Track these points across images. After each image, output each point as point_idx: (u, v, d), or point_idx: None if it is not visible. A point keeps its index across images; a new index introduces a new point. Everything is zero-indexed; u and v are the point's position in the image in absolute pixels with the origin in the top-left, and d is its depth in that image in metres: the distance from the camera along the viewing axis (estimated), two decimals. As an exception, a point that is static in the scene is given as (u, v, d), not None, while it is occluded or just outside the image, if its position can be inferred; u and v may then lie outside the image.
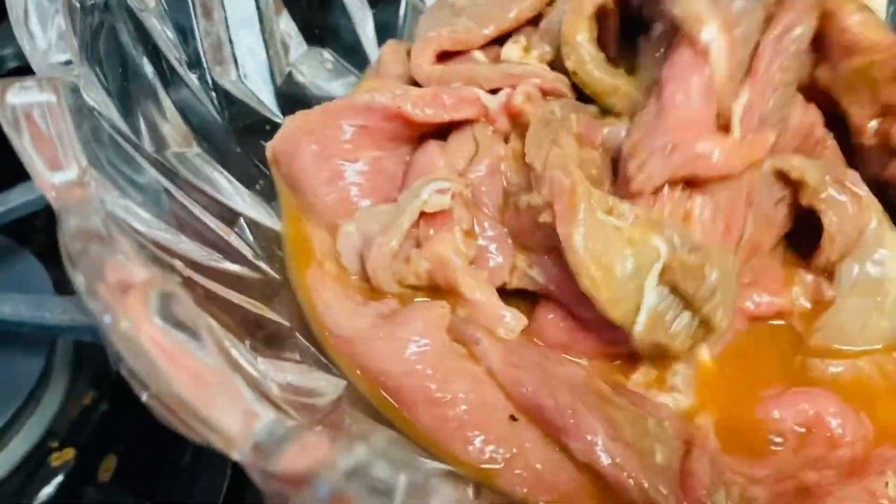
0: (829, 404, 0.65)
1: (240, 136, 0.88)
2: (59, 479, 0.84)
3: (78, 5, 0.70)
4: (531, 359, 0.67)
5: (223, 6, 0.90)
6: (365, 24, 1.08)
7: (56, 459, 0.85)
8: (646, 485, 0.56)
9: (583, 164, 0.71)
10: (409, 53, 0.91)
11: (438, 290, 0.74)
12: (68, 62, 0.64)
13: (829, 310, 0.72)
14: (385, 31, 1.11)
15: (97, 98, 0.66)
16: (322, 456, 0.39)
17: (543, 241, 0.70)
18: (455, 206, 0.75)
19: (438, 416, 0.63)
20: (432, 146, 0.81)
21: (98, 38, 0.72)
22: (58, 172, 0.53)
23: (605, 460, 0.58)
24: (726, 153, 0.65)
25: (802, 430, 0.64)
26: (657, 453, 0.59)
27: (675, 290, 0.64)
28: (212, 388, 0.41)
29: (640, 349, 0.65)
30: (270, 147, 0.84)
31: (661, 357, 0.67)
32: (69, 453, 0.86)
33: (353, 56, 1.07)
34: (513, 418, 0.64)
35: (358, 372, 0.69)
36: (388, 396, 0.66)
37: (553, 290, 0.71)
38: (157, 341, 0.40)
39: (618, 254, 0.63)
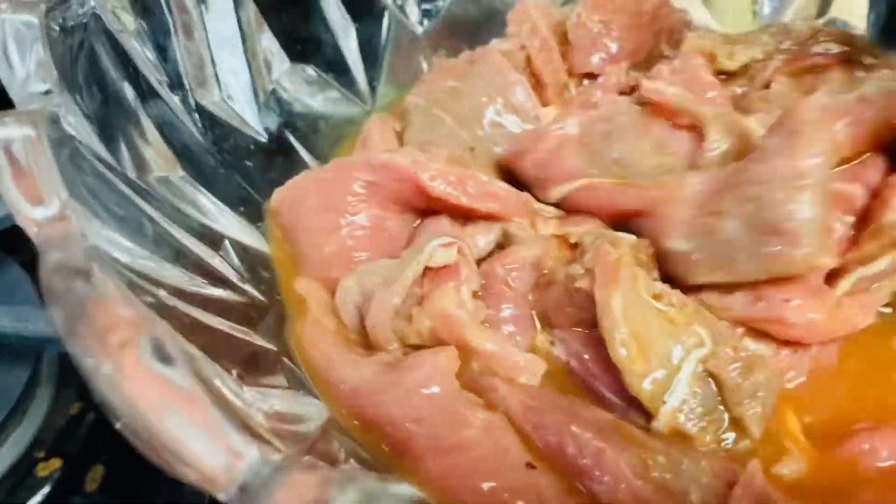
0: None
1: (224, 156, 0.87)
2: (46, 489, 0.84)
3: (57, 28, 0.70)
4: (554, 402, 0.64)
5: (204, 26, 0.89)
6: (348, 39, 1.08)
7: (42, 469, 0.85)
8: None
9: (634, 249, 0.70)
10: (397, 134, 0.94)
11: (447, 345, 0.69)
12: (48, 91, 0.63)
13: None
14: (368, 45, 1.11)
15: (77, 125, 0.66)
16: (313, 499, 0.39)
17: (573, 315, 0.69)
18: (462, 265, 0.72)
19: (447, 465, 0.60)
20: (444, 221, 0.78)
21: (77, 63, 0.71)
22: (38, 207, 0.53)
23: (629, 502, 0.56)
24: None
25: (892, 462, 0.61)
26: (692, 493, 0.56)
27: (716, 381, 0.63)
28: (196, 431, 0.41)
29: (659, 431, 0.62)
30: (277, 193, 0.83)
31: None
32: (56, 463, 0.86)
33: (337, 71, 1.06)
34: (530, 466, 0.60)
35: (363, 424, 0.66)
36: (395, 449, 0.63)
37: (575, 366, 0.69)
38: (142, 389, 0.40)
39: (658, 330, 0.63)
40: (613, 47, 0.98)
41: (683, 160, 0.78)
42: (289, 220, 0.81)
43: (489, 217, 0.78)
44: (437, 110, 0.92)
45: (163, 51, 0.83)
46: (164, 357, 0.43)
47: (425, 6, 1.17)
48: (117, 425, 0.41)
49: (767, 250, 0.64)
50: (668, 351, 0.62)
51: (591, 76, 0.99)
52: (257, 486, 0.40)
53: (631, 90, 0.95)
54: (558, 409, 0.62)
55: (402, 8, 1.15)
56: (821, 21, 1.16)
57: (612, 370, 0.63)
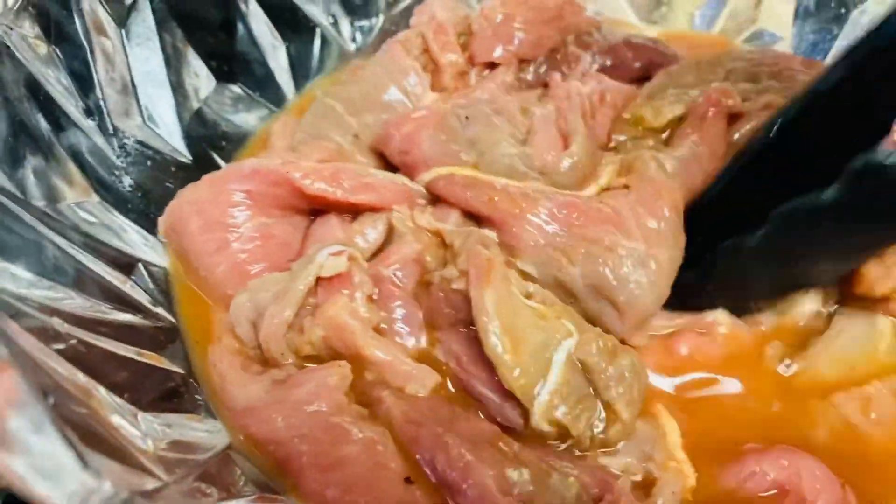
0: (813, 468, 0.64)
1: (144, 179, 0.88)
2: None
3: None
4: (435, 414, 0.65)
5: (125, 50, 0.90)
6: (277, 57, 1.09)
7: None
8: None
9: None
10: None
11: (341, 358, 0.70)
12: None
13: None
14: (300, 61, 1.12)
15: (-25, 156, 0.67)
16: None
17: (451, 316, 0.71)
18: (355, 271, 0.73)
19: (324, 482, 0.61)
20: (333, 220, 0.80)
21: (-20, 93, 0.72)
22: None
23: None
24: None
25: (774, 491, 0.64)
26: None
27: (585, 368, 0.65)
28: (41, 468, 0.42)
29: (538, 429, 0.64)
30: (161, 222, 0.83)
31: (563, 441, 0.66)
32: None
33: (265, 88, 1.07)
34: (408, 481, 0.62)
35: (252, 442, 0.67)
36: (280, 466, 0.64)
37: (454, 367, 0.70)
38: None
39: (529, 325, 0.65)
40: (516, 38, 0.99)
41: (540, 160, 0.79)
42: (178, 246, 0.81)
43: (371, 209, 0.79)
44: (329, 100, 0.93)
45: (79, 77, 0.84)
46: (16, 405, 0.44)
47: (359, 23, 1.18)
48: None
49: (599, 310, 0.71)
50: (539, 343, 0.65)
51: (494, 66, 1.00)
52: (106, 520, 0.42)
53: (544, 85, 0.98)
54: (437, 421, 0.63)
55: (335, 25, 1.16)
56: (747, 33, 1.18)
57: (488, 368, 0.65)
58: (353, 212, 0.80)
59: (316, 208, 0.81)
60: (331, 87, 0.96)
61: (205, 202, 0.79)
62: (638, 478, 0.66)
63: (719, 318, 0.75)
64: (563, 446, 0.65)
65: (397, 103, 0.95)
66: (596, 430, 0.65)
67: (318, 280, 0.73)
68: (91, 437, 0.50)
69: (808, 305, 0.77)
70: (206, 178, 0.80)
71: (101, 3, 0.87)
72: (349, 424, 0.64)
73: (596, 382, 0.65)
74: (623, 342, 0.70)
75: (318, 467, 0.61)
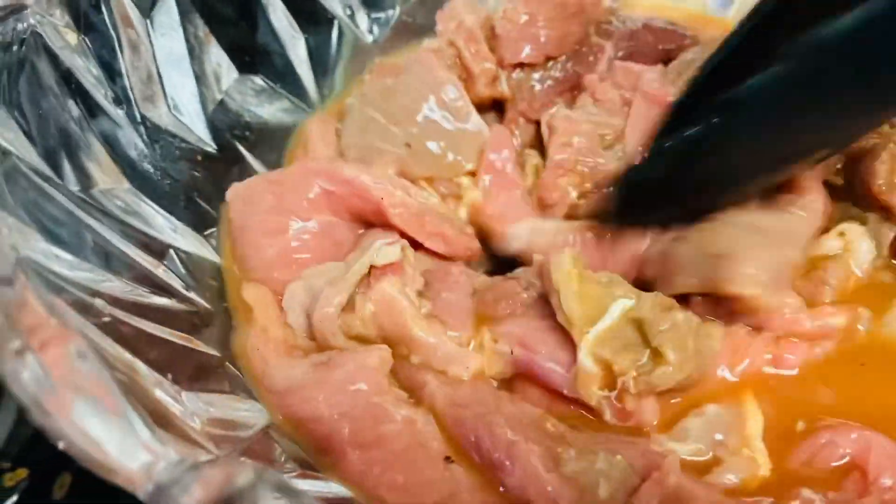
0: (885, 444, 0.64)
1: (171, 167, 0.89)
2: (14, 498, 0.85)
3: (-7, 43, 0.72)
4: (479, 397, 0.67)
5: (150, 41, 0.91)
6: (297, 49, 1.10)
7: (9, 480, 0.86)
8: None
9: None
10: (337, 133, 0.97)
11: (389, 340, 0.73)
12: (-19, 107, 0.65)
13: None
14: (319, 54, 1.13)
15: (15, 141, 0.67)
16: (218, 491, 0.41)
17: (519, 302, 0.74)
18: (407, 266, 0.75)
19: (366, 459, 0.62)
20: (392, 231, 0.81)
21: (17, 80, 0.73)
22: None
23: (539, 495, 0.58)
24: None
25: (845, 460, 0.64)
26: (601, 487, 0.58)
27: (638, 324, 0.67)
28: (112, 436, 0.42)
29: (584, 369, 0.65)
30: (233, 189, 0.84)
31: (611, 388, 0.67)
32: (22, 473, 0.87)
33: (286, 80, 1.08)
34: (448, 460, 0.63)
35: (293, 423, 0.68)
36: (320, 445, 0.65)
37: (517, 353, 0.72)
38: (62, 403, 0.41)
39: (595, 286, 0.69)
40: (542, 37, 1.00)
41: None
42: (240, 217, 0.82)
43: (436, 256, 0.82)
44: (370, 110, 0.94)
45: (108, 66, 0.85)
46: (83, 377, 0.45)
47: (375, 14, 1.19)
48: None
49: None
50: (599, 295, 0.68)
51: (523, 66, 1.01)
52: (172, 484, 0.42)
53: (572, 88, 0.99)
54: (482, 403, 0.64)
55: (352, 17, 1.17)
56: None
57: (552, 341, 0.68)
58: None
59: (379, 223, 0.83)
60: (365, 96, 0.97)
61: (286, 185, 0.81)
62: (703, 458, 0.66)
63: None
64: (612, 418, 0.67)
65: (438, 115, 0.95)
66: (641, 372, 0.65)
67: (371, 269, 0.75)
68: (146, 410, 0.50)
69: (864, 253, 0.78)
70: (297, 165, 0.84)
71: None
72: (390, 404, 0.65)
73: (646, 333, 0.66)
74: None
75: (358, 445, 0.63)
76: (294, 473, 0.63)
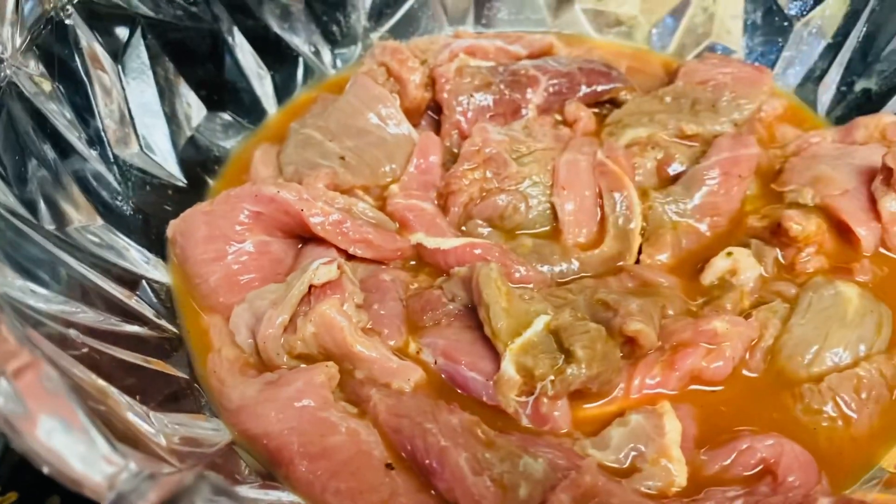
0: (797, 451, 0.71)
1: (143, 203, 0.94)
2: None
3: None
4: (419, 407, 0.72)
5: (122, 84, 0.97)
6: (263, 85, 1.16)
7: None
8: None
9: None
10: (278, 155, 1.03)
11: (333, 357, 0.77)
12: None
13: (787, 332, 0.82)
14: (285, 88, 1.19)
15: (-8, 186, 0.73)
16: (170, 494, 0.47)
17: (444, 314, 0.82)
18: (346, 281, 0.81)
19: (312, 469, 0.67)
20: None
21: (-6, 128, 0.79)
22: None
23: (464, 497, 0.63)
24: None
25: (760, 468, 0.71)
26: (521, 488, 0.64)
27: (556, 332, 0.74)
28: (77, 452, 0.48)
29: (506, 378, 0.71)
30: (171, 225, 0.89)
31: (530, 393, 0.73)
32: (13, 496, 0.91)
33: (253, 114, 1.14)
34: (389, 467, 0.68)
35: (247, 439, 0.72)
36: (272, 458, 0.70)
37: (440, 363, 0.78)
38: (31, 424, 0.47)
39: (519, 303, 0.76)
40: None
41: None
42: (181, 250, 0.88)
43: (364, 261, 0.88)
44: (308, 130, 1.02)
45: (81, 110, 0.91)
46: (48, 398, 0.50)
47: (338, 51, 1.25)
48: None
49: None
50: (525, 311, 0.75)
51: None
52: (132, 492, 0.48)
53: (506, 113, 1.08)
54: (420, 413, 0.70)
55: (316, 54, 1.23)
56: (702, 46, 1.27)
57: (474, 352, 0.76)
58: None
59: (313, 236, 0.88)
60: (304, 118, 1.05)
61: (217, 214, 0.86)
62: (622, 466, 0.71)
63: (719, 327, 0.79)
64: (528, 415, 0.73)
65: (373, 127, 1.03)
66: (556, 374, 0.70)
67: (311, 288, 0.80)
68: (113, 429, 0.56)
69: (750, 272, 0.87)
70: (224, 194, 0.87)
71: (97, 40, 0.94)
72: (335, 418, 0.70)
73: (562, 340, 0.72)
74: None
75: (306, 456, 0.68)
76: (256, 485, 0.69)
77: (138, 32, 0.99)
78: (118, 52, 0.97)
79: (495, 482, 0.63)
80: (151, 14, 1.01)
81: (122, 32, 0.98)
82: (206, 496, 0.46)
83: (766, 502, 0.67)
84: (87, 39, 0.93)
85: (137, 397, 0.69)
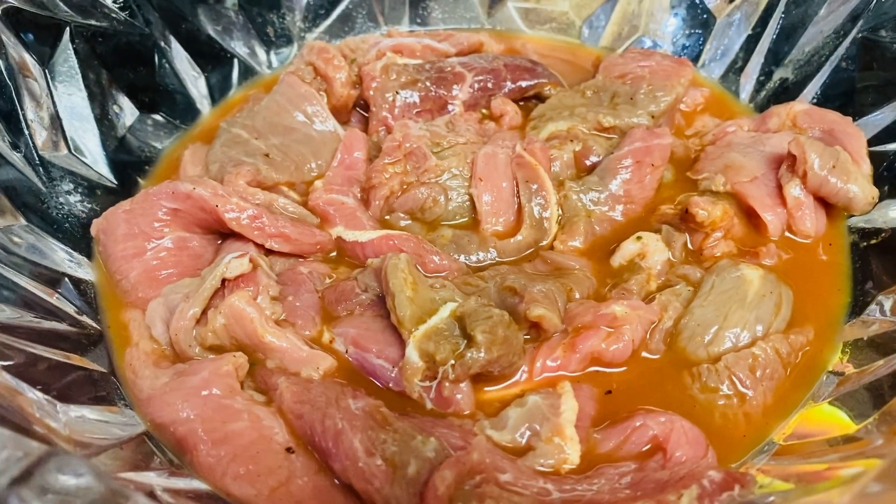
0: (686, 427, 0.73)
1: (71, 203, 0.96)
2: None
3: None
4: (323, 394, 0.73)
5: (50, 89, 0.99)
6: (198, 86, 1.18)
7: None
8: (387, 494, 0.64)
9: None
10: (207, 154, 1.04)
11: (244, 347, 0.80)
12: None
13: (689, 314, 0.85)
14: (220, 89, 1.21)
15: None
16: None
17: (358, 304, 0.85)
18: (260, 275, 0.83)
19: (214, 454, 0.69)
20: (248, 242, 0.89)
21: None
22: None
23: (356, 476, 0.65)
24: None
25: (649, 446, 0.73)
26: (410, 466, 0.66)
27: (460, 319, 0.76)
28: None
29: (410, 363, 0.74)
30: (94, 224, 0.91)
31: (433, 378, 0.75)
32: None
33: (186, 115, 1.16)
34: (289, 451, 0.71)
35: (156, 427, 0.74)
36: (179, 445, 0.72)
37: (351, 352, 0.81)
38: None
39: (426, 291, 0.79)
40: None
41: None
42: (104, 248, 0.90)
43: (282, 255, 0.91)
44: (236, 129, 1.04)
45: (5, 114, 0.92)
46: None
47: (274, 52, 1.27)
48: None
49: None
50: (432, 300, 0.78)
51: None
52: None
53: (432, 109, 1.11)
54: (323, 398, 0.72)
55: (252, 55, 1.25)
56: (633, 39, 1.30)
57: (381, 341, 0.79)
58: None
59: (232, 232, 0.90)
60: (233, 118, 1.07)
61: (135, 212, 0.88)
62: (518, 445, 0.74)
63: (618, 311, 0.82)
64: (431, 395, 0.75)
65: (299, 125, 1.06)
66: (457, 358, 0.73)
67: (225, 281, 0.83)
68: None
69: (658, 256, 0.90)
70: (143, 192, 0.89)
71: (24, 46, 0.96)
72: (239, 405, 0.73)
73: (467, 325, 0.74)
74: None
75: (209, 442, 0.70)
76: (166, 473, 0.71)
77: (66, 38, 1.01)
78: (46, 58, 0.99)
79: (387, 461, 0.66)
80: (80, 20, 1.03)
81: (49, 39, 1.00)
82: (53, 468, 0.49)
83: (654, 477, 0.69)
84: (13, 46, 0.96)
85: (49, 391, 0.71)
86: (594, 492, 0.67)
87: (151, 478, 0.68)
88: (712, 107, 1.18)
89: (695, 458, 0.71)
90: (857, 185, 0.92)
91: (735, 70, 1.21)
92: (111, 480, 0.53)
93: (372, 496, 0.65)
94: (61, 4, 1.01)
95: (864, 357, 0.82)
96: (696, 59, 1.24)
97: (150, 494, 0.62)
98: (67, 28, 1.01)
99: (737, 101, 1.20)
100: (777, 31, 1.15)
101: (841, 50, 1.07)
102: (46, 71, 0.99)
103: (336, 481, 0.69)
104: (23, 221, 0.89)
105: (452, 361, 0.73)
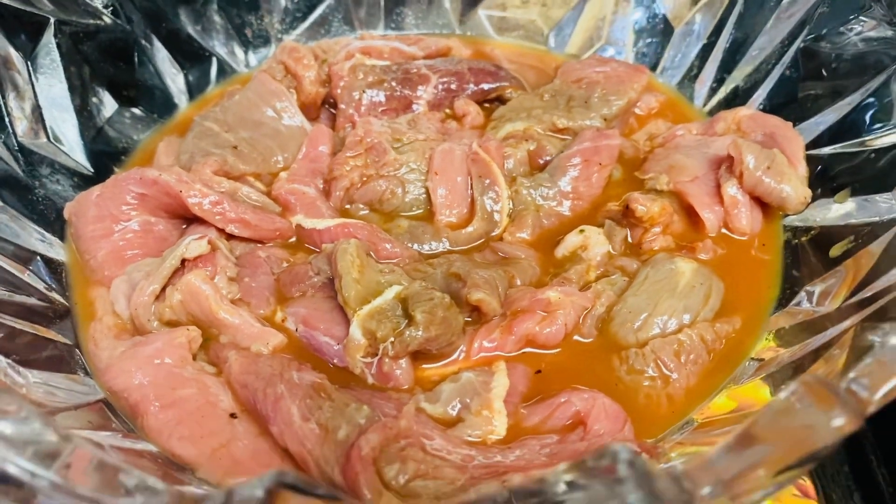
0: (607, 403, 0.78)
1: (48, 189, 1.02)
2: None
3: None
4: (270, 366, 0.78)
5: (32, 80, 1.05)
6: (177, 82, 1.24)
7: None
8: (317, 455, 0.68)
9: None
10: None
11: (200, 323, 0.85)
12: None
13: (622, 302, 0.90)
14: (198, 86, 1.27)
15: None
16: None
17: (310, 285, 0.90)
18: (219, 256, 0.89)
19: (162, 419, 0.75)
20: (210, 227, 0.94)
21: None
22: None
23: (291, 439, 0.70)
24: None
25: (572, 420, 0.78)
26: (341, 430, 0.70)
27: (404, 300, 0.81)
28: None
29: (353, 340, 0.79)
30: (67, 207, 0.97)
31: (374, 354, 0.81)
32: None
33: (164, 109, 1.22)
34: (233, 416, 0.76)
35: (112, 395, 0.80)
36: (131, 411, 0.77)
37: (301, 331, 0.86)
38: None
39: (374, 274, 0.85)
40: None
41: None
42: (75, 229, 0.96)
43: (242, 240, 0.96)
44: (208, 122, 1.10)
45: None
46: None
47: (253, 52, 1.33)
48: None
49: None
50: (375, 282, 0.83)
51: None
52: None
53: (397, 108, 1.17)
54: (269, 370, 0.77)
55: (230, 54, 1.31)
56: (596, 47, 1.36)
57: (329, 320, 0.84)
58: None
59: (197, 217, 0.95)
60: (206, 113, 1.13)
61: (105, 196, 0.94)
62: (449, 416, 0.79)
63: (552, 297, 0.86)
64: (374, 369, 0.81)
65: (269, 119, 1.12)
66: (397, 335, 0.78)
67: (185, 262, 0.88)
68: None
69: (598, 248, 0.96)
70: (113, 178, 0.95)
71: (7, 39, 1.02)
72: (188, 374, 0.78)
73: (409, 307, 0.80)
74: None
75: (158, 406, 0.75)
76: (120, 435, 0.76)
77: (49, 33, 1.07)
78: (28, 51, 1.05)
79: (320, 426, 0.70)
80: (63, 16, 1.09)
81: (32, 33, 1.06)
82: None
83: (572, 448, 0.74)
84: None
85: (14, 357, 0.76)
86: (514, 458, 0.72)
87: (103, 437, 0.73)
88: (667, 111, 1.23)
89: (612, 432, 0.76)
90: (791, 186, 0.97)
91: (691, 77, 1.26)
92: (52, 420, 0.57)
93: (304, 457, 0.70)
94: (45, 0, 1.07)
95: (787, 342, 0.87)
96: (654, 67, 1.29)
97: (99, 446, 0.67)
98: (50, 23, 1.07)
99: (691, 107, 1.25)
100: (729, 41, 1.21)
101: (786, 59, 1.13)
102: (29, 63, 1.05)
103: (275, 445, 0.74)
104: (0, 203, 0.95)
105: (392, 339, 0.78)
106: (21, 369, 0.75)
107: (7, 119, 1.00)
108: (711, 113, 1.22)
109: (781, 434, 0.47)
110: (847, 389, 0.50)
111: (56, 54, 1.09)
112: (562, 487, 0.45)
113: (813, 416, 0.48)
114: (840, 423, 0.47)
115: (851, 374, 0.51)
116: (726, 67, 1.21)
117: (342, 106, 1.15)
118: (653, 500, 0.43)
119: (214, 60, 1.29)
